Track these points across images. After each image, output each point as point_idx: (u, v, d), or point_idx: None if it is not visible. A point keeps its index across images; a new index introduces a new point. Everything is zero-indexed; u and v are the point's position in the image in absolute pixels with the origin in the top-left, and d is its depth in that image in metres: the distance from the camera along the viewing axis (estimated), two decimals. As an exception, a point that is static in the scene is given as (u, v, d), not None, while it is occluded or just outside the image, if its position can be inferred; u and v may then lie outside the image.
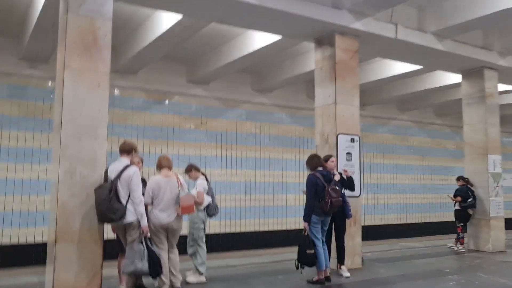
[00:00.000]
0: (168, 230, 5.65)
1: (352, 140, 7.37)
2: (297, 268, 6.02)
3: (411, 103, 14.61)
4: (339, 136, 7.22)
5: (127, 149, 5.43)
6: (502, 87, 11.09)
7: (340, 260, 6.74)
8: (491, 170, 9.30)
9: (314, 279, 6.16)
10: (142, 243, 5.11)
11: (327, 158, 6.49)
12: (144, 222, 5.18)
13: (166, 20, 7.64)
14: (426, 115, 15.75)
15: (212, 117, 11.51)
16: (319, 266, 6.06)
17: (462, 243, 9.51)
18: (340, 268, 6.71)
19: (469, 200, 9.26)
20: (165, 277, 5.42)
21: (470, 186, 9.42)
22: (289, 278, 6.52)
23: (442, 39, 8.22)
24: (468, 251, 9.36)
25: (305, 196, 6.06)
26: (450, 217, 15.56)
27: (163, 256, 5.52)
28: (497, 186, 9.38)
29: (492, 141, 9.40)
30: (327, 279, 6.11)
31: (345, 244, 6.82)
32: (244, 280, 6.36)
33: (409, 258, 8.44)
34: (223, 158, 11.58)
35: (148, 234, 5.25)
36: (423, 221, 15.21)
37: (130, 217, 5.12)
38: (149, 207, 5.47)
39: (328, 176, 5.95)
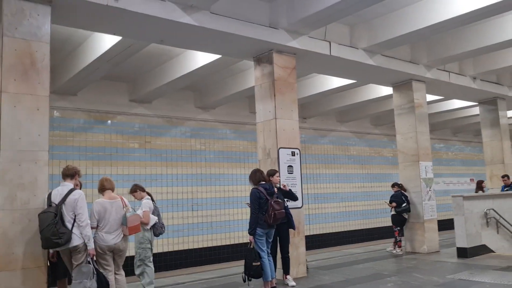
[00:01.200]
0: (114, 252, 5.65)
1: (293, 154, 7.68)
2: (244, 281, 6.19)
3: (349, 115, 15.30)
4: (280, 150, 7.51)
5: (70, 173, 5.41)
6: (430, 97, 11.93)
7: (286, 270, 6.97)
8: (423, 175, 9.96)
9: (262, 290, 6.35)
10: (90, 263, 5.10)
11: (272, 173, 6.73)
12: (91, 245, 5.18)
13: (106, 40, 7.66)
14: (364, 125, 16.52)
15: (156, 135, 11.51)
16: (265, 277, 6.26)
17: (399, 246, 10.06)
18: (286, 278, 6.94)
19: (403, 205, 9.85)
20: (111, 300, 5.41)
21: (404, 192, 10.02)
22: (237, 291, 6.66)
23: (372, 54, 8.78)
24: (405, 253, 9.91)
25: (249, 209, 6.26)
26: (389, 222, 16.54)
27: (110, 278, 5.52)
28: (430, 190, 10.04)
29: (423, 148, 10.08)
30: (274, 289, 6.32)
31: (290, 254, 7.04)
32: (193, 297, 6.43)
33: (350, 264, 8.83)
34: (169, 175, 11.58)
35: (95, 257, 5.24)
36: (364, 227, 15.84)
37: (76, 241, 5.10)
38: (94, 230, 5.47)
39: (270, 190, 6.20)
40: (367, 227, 15.90)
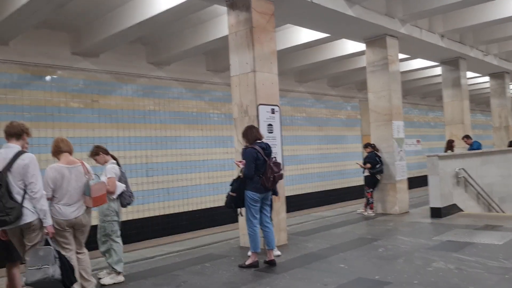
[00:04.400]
0: (75, 227, 4.69)
1: (273, 111, 6.91)
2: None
3: (308, 75, 14.71)
4: (260, 107, 6.70)
5: (16, 132, 4.29)
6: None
7: None
8: (395, 135, 9.60)
9: (247, 263, 5.67)
10: (49, 245, 4.11)
11: None
12: (49, 221, 4.18)
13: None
14: (321, 86, 16.02)
15: (104, 93, 10.24)
16: (253, 247, 5.57)
17: (371, 208, 9.76)
18: None
19: (378, 166, 9.49)
20: (76, 284, 4.47)
21: (377, 152, 9.64)
22: (217, 265, 5.93)
23: (352, 4, 8.10)
24: (377, 215, 9.63)
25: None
26: (346, 183, 16.52)
27: (72, 258, 4.57)
28: (401, 150, 9.73)
29: (396, 107, 9.69)
30: (271, 262, 5.62)
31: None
32: (169, 274, 5.62)
33: (328, 228, 8.36)
34: (120, 138, 10.44)
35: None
36: (322, 189, 15.61)
37: (29, 217, 4.07)
38: (49, 202, 4.45)
39: (268, 150, 5.42)
40: (325, 189, 15.69)
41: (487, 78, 16.52)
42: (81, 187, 4.68)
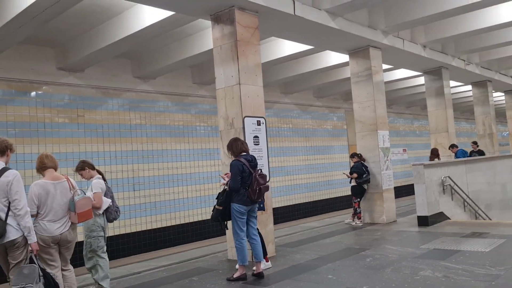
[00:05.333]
0: (60, 244, 4.63)
1: (259, 123, 6.94)
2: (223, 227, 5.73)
3: (293, 86, 14.81)
4: (246, 119, 6.73)
5: (0, 149, 4.27)
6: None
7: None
8: (381, 145, 9.69)
9: (235, 276, 5.64)
10: (34, 263, 4.06)
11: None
12: (33, 238, 4.13)
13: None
14: (307, 97, 16.13)
15: (89, 108, 10.18)
16: (241, 260, 5.55)
17: (359, 218, 9.80)
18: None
19: (364, 175, 9.55)
20: (62, 302, 4.42)
21: (363, 162, 9.70)
22: (205, 278, 5.89)
23: (334, 17, 8.20)
24: (364, 224, 9.66)
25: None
26: (333, 194, 16.56)
27: (57, 276, 4.51)
28: (387, 159, 9.82)
29: (381, 117, 9.79)
30: (260, 275, 5.60)
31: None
32: (157, 289, 5.56)
33: (316, 239, 8.37)
34: (106, 153, 10.36)
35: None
36: (309, 200, 15.62)
37: (13, 234, 4.04)
38: (33, 218, 4.39)
39: (254, 162, 5.43)
40: (313, 200, 15.70)
41: (470, 87, 16.79)
42: (66, 203, 4.64)
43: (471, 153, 13.75)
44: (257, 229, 5.74)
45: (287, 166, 14.99)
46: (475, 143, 13.80)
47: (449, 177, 9.68)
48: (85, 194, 4.93)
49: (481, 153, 13.75)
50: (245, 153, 5.50)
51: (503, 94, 19.52)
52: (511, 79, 17.10)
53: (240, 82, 6.71)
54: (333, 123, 17.27)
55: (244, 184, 5.32)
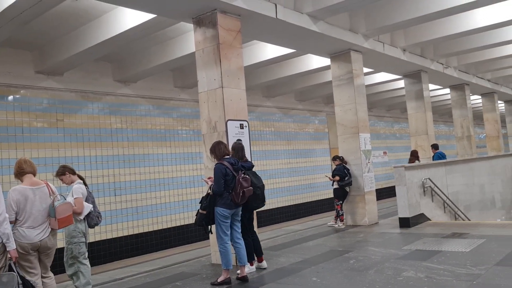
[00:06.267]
0: (40, 250, 4.55)
1: (241, 126, 6.93)
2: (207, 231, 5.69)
3: (275, 90, 14.86)
4: (228, 122, 6.71)
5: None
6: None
7: (259, 253, 6.29)
8: (362, 147, 9.77)
9: (219, 280, 5.59)
10: (13, 271, 3.96)
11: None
12: (12, 245, 4.05)
13: (10, -7, 6.20)
14: (289, 100, 16.19)
15: (69, 112, 10.02)
16: (224, 264, 5.51)
17: (342, 220, 9.85)
18: (261, 261, 6.30)
19: (346, 178, 9.61)
20: (42, 311, 4.33)
21: (345, 165, 9.77)
22: (189, 283, 5.84)
23: (316, 20, 8.25)
24: (347, 227, 9.72)
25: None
26: (314, 196, 16.63)
27: (37, 283, 4.43)
28: (369, 162, 9.90)
29: (362, 120, 9.88)
30: (244, 278, 5.57)
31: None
32: (139, 295, 5.49)
33: (299, 242, 8.38)
34: (86, 158, 10.21)
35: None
36: (292, 203, 15.66)
37: (-10, 241, 3.94)
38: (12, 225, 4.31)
39: (237, 165, 5.40)
40: (295, 203, 15.74)
41: (448, 90, 17.09)
42: (46, 209, 4.56)
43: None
44: (237, 233, 5.69)
45: (269, 170, 14.99)
46: (434, 146, 12.58)
47: (429, 179, 9.82)
48: (65, 200, 4.85)
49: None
50: (228, 156, 5.49)
51: (480, 97, 19.91)
52: (488, 82, 17.47)
53: (223, 85, 6.69)
54: (315, 126, 17.37)
55: (228, 188, 5.30)
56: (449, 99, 18.73)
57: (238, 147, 5.98)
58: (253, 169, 6.00)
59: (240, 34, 7.10)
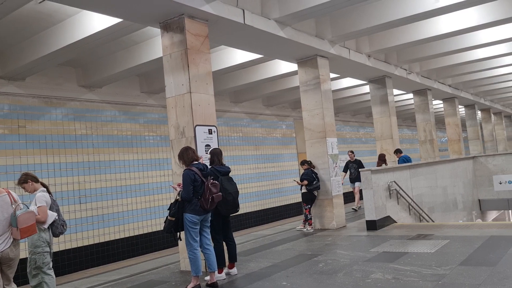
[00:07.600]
0: (2, 261, 4.41)
1: (210, 131, 6.90)
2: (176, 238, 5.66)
3: (243, 95, 14.89)
4: (197, 128, 6.67)
5: None
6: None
7: (233, 258, 6.28)
8: (330, 152, 9.90)
9: (189, 287, 5.53)
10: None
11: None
12: (-28, 257, 3.88)
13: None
14: (256, 106, 16.25)
15: (31, 118, 9.73)
16: (194, 271, 5.46)
17: (310, 224, 9.93)
18: (232, 268, 6.27)
19: (314, 182, 9.70)
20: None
21: (313, 169, 9.86)
22: (159, 292, 5.75)
23: (283, 26, 8.33)
24: (315, 230, 9.81)
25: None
26: (282, 201, 16.71)
27: (-1, 296, 4.27)
28: (336, 166, 10.04)
29: (329, 125, 10.01)
30: (214, 285, 5.53)
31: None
32: (107, 305, 5.36)
33: (268, 246, 8.39)
34: (50, 165, 9.92)
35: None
36: (260, 208, 15.67)
37: (-51, 253, 3.77)
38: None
39: (206, 171, 5.37)
40: (264, 208, 15.77)
41: (411, 95, 17.56)
42: (8, 218, 4.43)
43: (347, 164, 13.79)
44: (207, 239, 5.66)
45: (237, 175, 14.95)
46: (398, 151, 12.69)
47: (394, 182, 10.04)
48: (28, 208, 4.70)
49: (359, 164, 13.45)
50: (196, 162, 5.46)
51: (441, 102, 20.55)
52: (449, 87, 18.06)
53: (191, 90, 6.66)
54: (282, 131, 17.49)
55: (197, 194, 5.27)
56: (412, 103, 19.27)
57: (217, 152, 6.07)
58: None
59: (208, 39, 7.09)
